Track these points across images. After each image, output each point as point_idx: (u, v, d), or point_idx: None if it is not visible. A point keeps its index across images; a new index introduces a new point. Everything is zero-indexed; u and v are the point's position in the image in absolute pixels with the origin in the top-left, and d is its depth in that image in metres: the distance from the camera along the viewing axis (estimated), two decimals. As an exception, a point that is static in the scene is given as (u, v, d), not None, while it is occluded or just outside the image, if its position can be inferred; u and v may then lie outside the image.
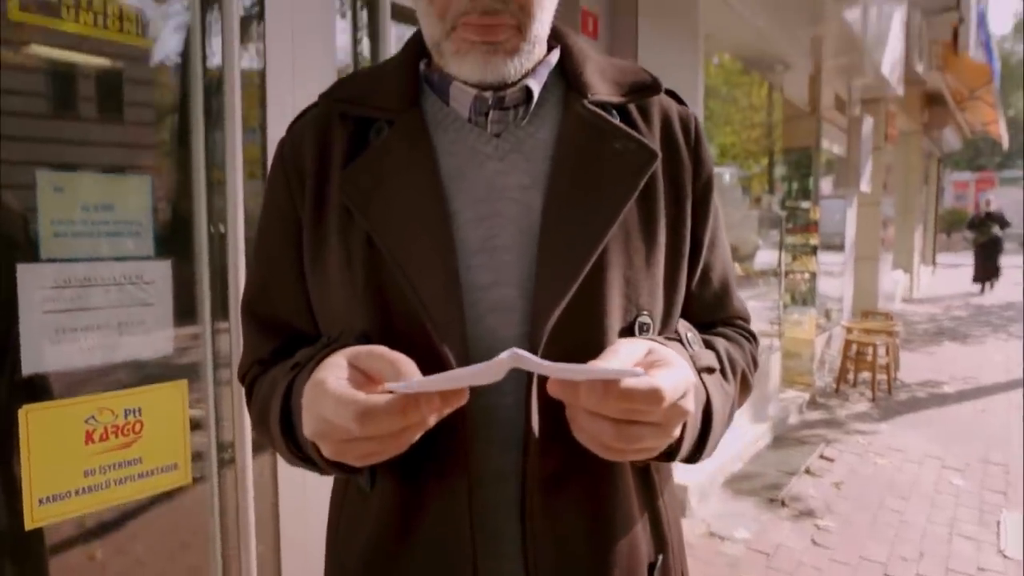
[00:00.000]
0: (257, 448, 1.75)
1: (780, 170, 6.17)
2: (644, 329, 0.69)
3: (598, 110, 0.71)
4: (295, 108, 1.71)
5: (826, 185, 6.50)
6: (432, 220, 0.66)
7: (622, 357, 0.57)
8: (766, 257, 5.15)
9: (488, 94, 0.69)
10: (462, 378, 0.50)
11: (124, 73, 1.56)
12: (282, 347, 0.76)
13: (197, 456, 1.63)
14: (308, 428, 0.57)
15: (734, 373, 0.76)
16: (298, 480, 1.83)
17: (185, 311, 1.62)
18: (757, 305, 4.87)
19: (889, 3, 5.62)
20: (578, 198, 0.67)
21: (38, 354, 1.35)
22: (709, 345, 0.75)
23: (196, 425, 1.63)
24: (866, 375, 5.80)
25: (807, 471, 3.91)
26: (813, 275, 5.77)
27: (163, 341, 1.56)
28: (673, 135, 0.76)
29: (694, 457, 0.69)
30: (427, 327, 0.62)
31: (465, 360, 0.62)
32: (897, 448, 4.33)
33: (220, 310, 1.69)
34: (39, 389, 1.36)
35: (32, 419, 1.33)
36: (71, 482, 1.39)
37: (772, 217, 5.25)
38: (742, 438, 4.09)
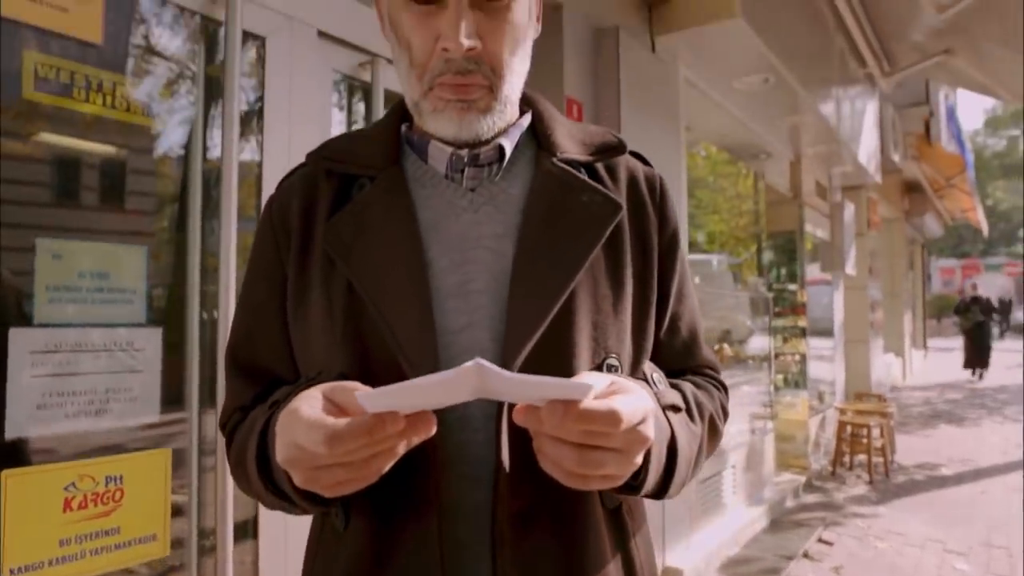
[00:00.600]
0: (239, 535, 1.72)
1: (767, 255, 6.31)
2: (612, 371, 0.72)
3: (566, 167, 0.76)
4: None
5: (813, 270, 6.64)
6: (409, 266, 0.70)
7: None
8: (759, 342, 5.18)
9: (464, 152, 0.74)
10: (427, 386, 0.51)
11: (128, 163, 1.63)
12: (263, 393, 0.78)
13: (177, 543, 1.60)
14: (280, 455, 0.59)
15: (701, 416, 0.78)
16: (279, 568, 1.78)
17: (173, 389, 1.63)
18: (750, 389, 4.87)
19: (861, 97, 5.93)
20: (547, 245, 0.71)
21: (23, 418, 1.35)
22: (675, 387, 0.78)
23: (178, 511, 1.61)
24: (862, 457, 5.73)
25: (805, 555, 3.81)
26: (803, 357, 5.80)
27: (149, 409, 1.57)
28: (639, 192, 0.81)
29: (660, 493, 0.71)
30: (402, 366, 0.65)
31: None
32: (897, 532, 4.23)
33: (208, 396, 1.70)
34: (21, 453, 1.36)
35: (11, 484, 1.32)
36: (46, 551, 1.36)
37: (761, 299, 5.32)
38: (738, 521, 4.00)
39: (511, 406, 0.59)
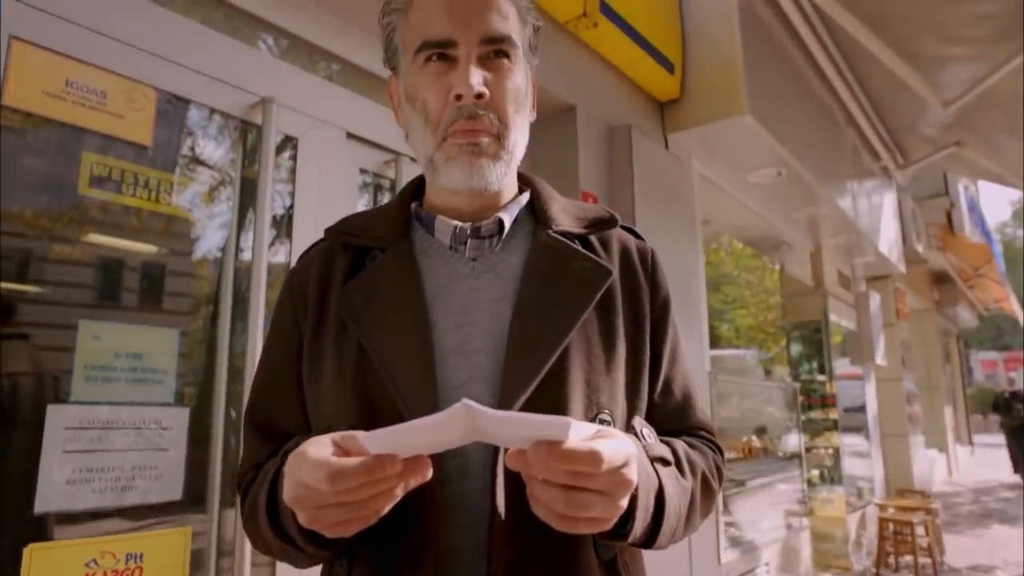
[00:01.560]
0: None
1: (795, 347, 6.25)
2: (604, 425, 0.76)
3: (561, 238, 0.84)
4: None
5: (844, 363, 6.55)
6: (414, 327, 0.77)
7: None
8: (790, 436, 5.07)
9: (467, 225, 0.82)
10: (423, 427, 0.56)
11: (167, 263, 1.75)
12: (277, 451, 0.83)
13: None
14: (287, 493, 0.63)
15: (693, 472, 0.81)
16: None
17: (198, 460, 1.67)
18: (784, 486, 4.73)
19: (878, 189, 6.03)
20: (542, 308, 0.78)
21: (53, 492, 1.41)
22: (666, 443, 0.81)
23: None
24: (908, 558, 5.42)
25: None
26: (837, 451, 5.63)
27: (173, 487, 1.61)
28: (631, 262, 0.88)
29: (649, 542, 0.73)
30: (404, 418, 0.70)
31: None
32: (949, 639, 3.95)
33: (229, 496, 1.73)
34: (45, 527, 1.40)
35: (35, 558, 1.36)
36: (63, 629, 1.38)
37: (789, 392, 5.24)
38: (775, 625, 3.79)
39: (507, 481, 0.63)
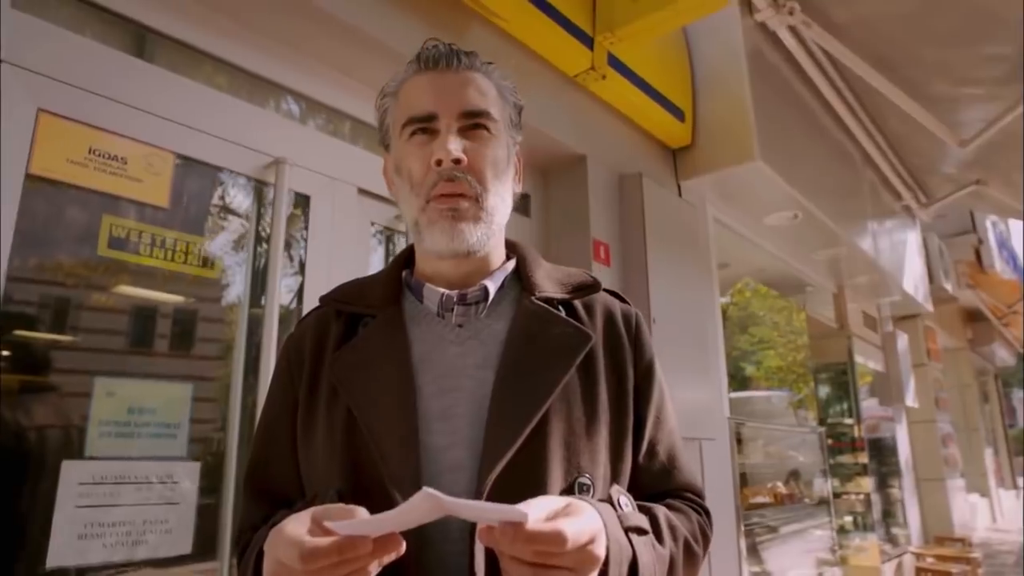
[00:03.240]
0: None
1: (822, 388, 6.14)
2: (584, 489, 0.78)
3: (543, 304, 0.87)
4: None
5: (873, 403, 6.40)
6: (400, 393, 0.79)
7: (534, 507, 0.64)
8: (818, 482, 4.94)
9: (453, 293, 0.86)
10: (389, 520, 0.59)
11: (190, 313, 1.82)
12: (273, 513, 0.86)
13: None
14: (266, 569, 0.66)
15: (674, 538, 0.81)
16: None
17: (208, 513, 1.70)
18: (815, 532, 4.59)
19: (900, 228, 5.98)
20: (523, 373, 0.80)
21: (65, 548, 1.44)
22: (646, 510, 0.81)
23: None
24: (948, 611, 5.20)
25: None
26: (868, 496, 5.46)
27: (183, 541, 1.63)
28: (615, 326, 0.91)
29: None
30: (385, 483, 0.72)
31: None
32: None
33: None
34: (57, 583, 1.43)
35: (46, 614, 1.38)
36: None
37: (816, 436, 5.13)
38: None
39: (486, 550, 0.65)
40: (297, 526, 0.63)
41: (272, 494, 0.87)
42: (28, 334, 1.52)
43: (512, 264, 0.93)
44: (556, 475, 0.76)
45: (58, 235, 1.56)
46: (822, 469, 4.92)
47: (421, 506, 0.57)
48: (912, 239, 6.32)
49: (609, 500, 0.78)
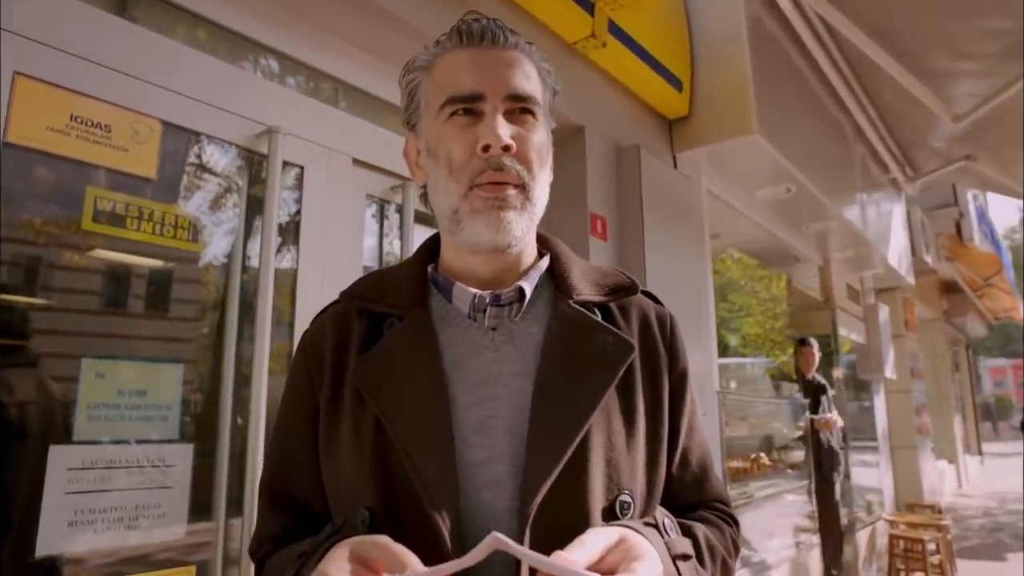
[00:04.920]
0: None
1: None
2: (625, 507, 0.74)
3: (581, 309, 0.81)
4: (323, 304, 1.88)
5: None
6: (433, 404, 0.74)
7: (588, 547, 0.61)
8: (798, 450, 5.03)
9: (486, 293, 0.80)
10: (447, 568, 0.55)
11: (174, 273, 1.74)
12: (293, 523, 0.81)
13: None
14: None
15: (713, 559, 0.79)
16: None
17: (202, 498, 1.66)
18: (792, 498, 4.67)
19: (887, 201, 5.99)
20: (563, 385, 0.75)
21: (55, 536, 1.38)
22: (687, 531, 0.78)
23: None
24: (919, 574, 5.36)
25: None
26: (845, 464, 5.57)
27: (176, 526, 1.59)
28: (650, 331, 0.86)
29: None
30: (423, 501, 0.68)
31: (457, 531, 0.67)
32: (962, 662, 3.89)
33: (235, 504, 1.71)
34: (47, 571, 1.38)
35: (36, 605, 1.34)
36: (63, 676, 1.35)
37: (798, 406, 5.20)
38: (785, 647, 3.73)
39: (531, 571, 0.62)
40: (341, 568, 0.60)
41: (291, 503, 0.82)
42: (9, 315, 1.44)
43: (545, 262, 0.87)
44: (597, 493, 0.72)
45: (39, 208, 1.47)
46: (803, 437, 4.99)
47: (483, 553, 0.53)
48: (898, 212, 6.35)
49: (654, 523, 0.74)
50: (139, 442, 1.54)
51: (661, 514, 0.77)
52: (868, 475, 6.31)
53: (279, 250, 1.87)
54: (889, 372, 6.48)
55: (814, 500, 4.81)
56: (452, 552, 0.64)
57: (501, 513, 0.70)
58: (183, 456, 1.61)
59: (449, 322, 0.81)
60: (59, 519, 1.39)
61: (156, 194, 1.64)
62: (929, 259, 8.06)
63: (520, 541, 0.68)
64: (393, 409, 0.73)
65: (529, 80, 0.80)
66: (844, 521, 5.01)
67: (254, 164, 1.88)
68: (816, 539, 4.75)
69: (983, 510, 9.68)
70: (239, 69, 1.86)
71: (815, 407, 4.95)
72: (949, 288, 10.88)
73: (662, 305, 0.91)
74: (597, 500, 0.72)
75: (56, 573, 1.39)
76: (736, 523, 0.88)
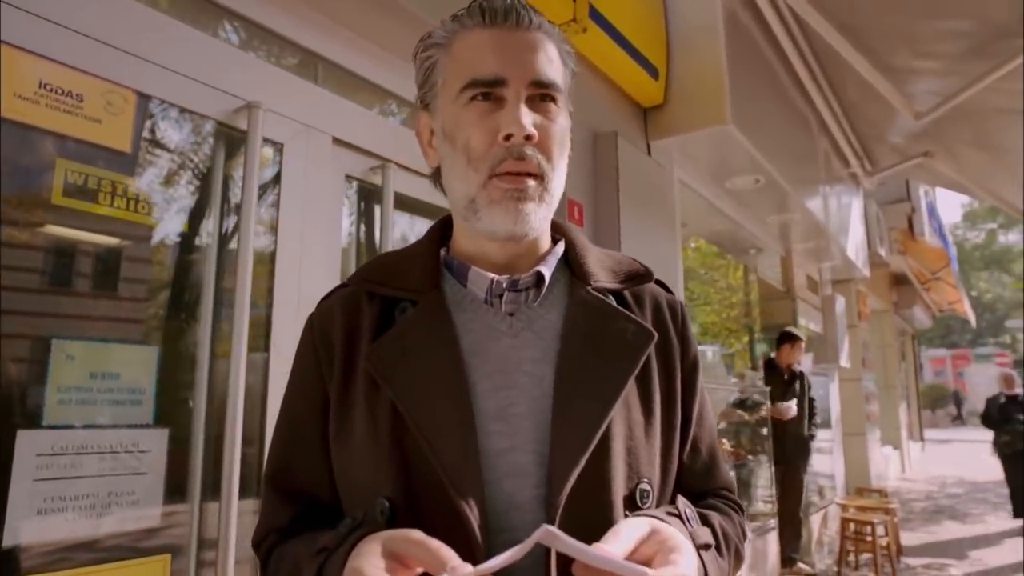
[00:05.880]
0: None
1: (761, 348, 6.35)
2: (644, 496, 0.74)
3: (599, 295, 0.80)
4: (300, 285, 1.83)
5: (807, 361, 6.67)
6: (453, 390, 0.72)
7: (623, 538, 0.61)
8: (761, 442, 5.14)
9: (503, 278, 0.78)
10: (499, 564, 0.54)
11: (148, 252, 1.67)
12: (300, 515, 0.78)
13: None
14: None
15: (728, 548, 0.79)
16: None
17: (177, 483, 1.60)
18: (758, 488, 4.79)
19: (847, 195, 6.14)
20: (586, 372, 0.74)
21: (23, 525, 1.32)
22: (705, 520, 0.78)
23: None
24: (868, 556, 5.56)
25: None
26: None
27: (150, 513, 1.53)
28: (663, 319, 0.85)
29: None
30: (448, 491, 0.66)
31: (484, 521, 0.65)
32: (909, 639, 4.06)
33: (211, 490, 1.66)
34: (15, 560, 1.31)
35: (5, 596, 1.27)
36: (33, 669, 1.30)
37: (757, 393, 5.31)
38: (745, 628, 3.84)
39: (559, 561, 0.61)
40: (376, 564, 0.58)
41: (299, 494, 0.79)
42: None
43: (561, 248, 0.85)
44: (619, 481, 0.72)
45: (5, 181, 1.39)
46: (765, 427, 5.11)
47: (530, 546, 0.52)
48: (856, 206, 6.52)
49: (677, 513, 0.74)
50: (112, 427, 1.48)
51: (683, 504, 0.77)
52: (821, 461, 6.51)
53: (257, 229, 1.80)
54: (844, 361, 6.67)
55: (774, 487, 4.94)
56: (482, 544, 0.63)
57: (525, 503, 0.69)
58: (158, 441, 1.56)
59: (464, 307, 0.79)
60: (27, 507, 1.33)
61: (130, 168, 1.57)
62: (883, 252, 8.31)
63: (548, 561, 0.67)
64: (410, 395, 0.71)
65: (552, 65, 0.78)
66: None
67: (233, 140, 1.81)
68: (773, 523, 4.88)
69: (925, 493, 10.10)
70: (218, 41, 1.78)
71: (791, 396, 5.09)
72: (899, 281, 11.25)
73: (672, 293, 0.91)
74: (619, 488, 0.71)
75: (21, 561, 1.33)
76: (743, 510, 0.89)
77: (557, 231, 0.88)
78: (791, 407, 5.02)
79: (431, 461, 0.67)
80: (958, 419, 28.94)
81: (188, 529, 1.62)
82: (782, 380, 5.15)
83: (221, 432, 1.68)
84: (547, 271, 0.80)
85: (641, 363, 0.76)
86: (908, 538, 6.69)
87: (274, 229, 1.86)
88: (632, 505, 0.73)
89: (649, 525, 0.63)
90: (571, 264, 0.84)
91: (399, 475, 0.69)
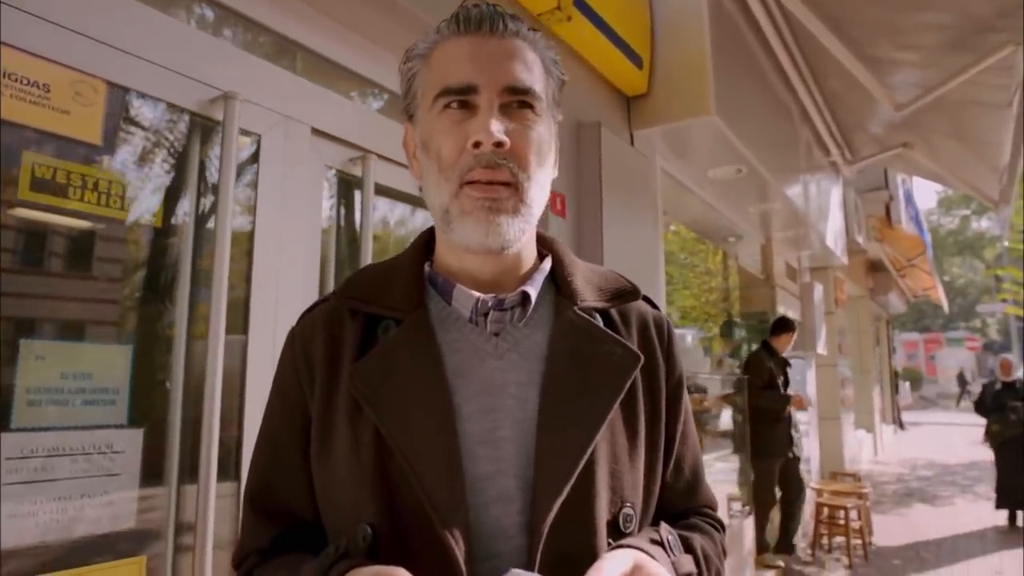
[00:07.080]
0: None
1: (739, 333, 6.41)
2: (627, 520, 0.73)
3: (586, 316, 0.78)
4: (279, 272, 1.79)
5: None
6: (437, 413, 0.70)
7: (605, 573, 0.60)
8: (728, 419, 5.21)
9: (489, 297, 0.76)
10: None
11: (120, 247, 1.62)
12: (282, 535, 0.77)
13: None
14: None
15: (709, 571, 0.79)
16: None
17: (152, 485, 1.57)
18: (724, 467, 4.85)
19: (826, 183, 6.18)
20: (571, 397, 0.73)
21: (-8, 530, 1.29)
22: (687, 545, 0.78)
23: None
24: (840, 539, 5.68)
25: (790, 649, 3.71)
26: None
27: (125, 515, 1.50)
28: (649, 337, 0.84)
29: None
30: (431, 517, 0.64)
31: (469, 549, 0.64)
32: (880, 621, 4.16)
33: (188, 473, 1.63)
34: (-13, 569, 1.29)
35: (-25, 604, 1.25)
36: (5, 677, 1.27)
37: (735, 379, 5.37)
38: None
39: None
40: None
41: (280, 514, 0.78)
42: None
43: (548, 264, 0.84)
44: (603, 506, 0.71)
45: (-31, 174, 1.34)
46: (742, 411, 5.17)
47: None
48: (835, 194, 6.57)
49: (659, 540, 0.74)
50: (84, 428, 1.44)
51: (665, 531, 0.76)
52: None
53: (234, 222, 1.76)
54: (821, 348, 6.76)
55: (750, 477, 5.01)
56: (466, 575, 0.62)
57: (510, 528, 0.68)
58: (132, 441, 1.52)
59: (449, 326, 0.77)
60: (-3, 512, 1.30)
61: (101, 161, 1.52)
62: (861, 239, 8.39)
63: (533, 557, 0.66)
64: (394, 417, 0.69)
65: (529, 71, 0.75)
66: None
67: (208, 132, 1.76)
68: (747, 508, 4.95)
69: (896, 476, 10.33)
70: (192, 28, 1.73)
71: (786, 384, 5.16)
72: (875, 267, 11.40)
73: (658, 310, 0.90)
74: (603, 513, 0.71)
75: (-5, 569, 1.30)
76: (723, 528, 0.89)
77: (543, 245, 0.86)
78: (809, 396, 5.12)
79: (414, 486, 0.66)
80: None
81: (165, 530, 1.59)
82: (780, 366, 5.24)
83: (199, 416, 1.64)
84: (533, 291, 0.78)
85: (627, 388, 0.75)
86: (880, 521, 6.84)
87: (252, 223, 1.82)
88: (615, 529, 0.72)
89: (632, 560, 0.63)
90: (558, 282, 0.82)
91: (381, 500, 0.68)
